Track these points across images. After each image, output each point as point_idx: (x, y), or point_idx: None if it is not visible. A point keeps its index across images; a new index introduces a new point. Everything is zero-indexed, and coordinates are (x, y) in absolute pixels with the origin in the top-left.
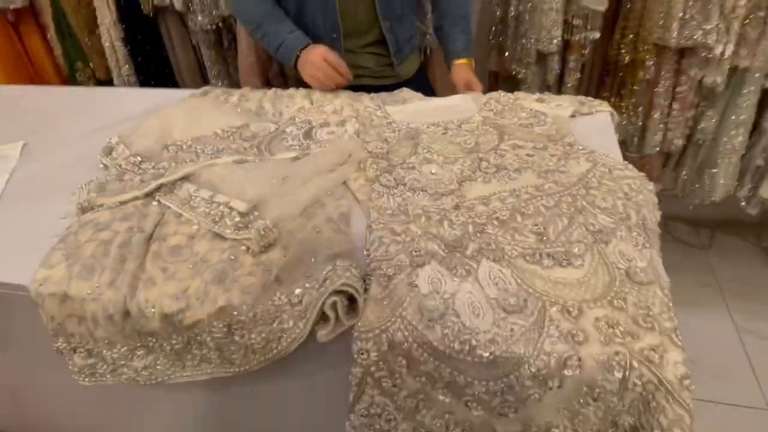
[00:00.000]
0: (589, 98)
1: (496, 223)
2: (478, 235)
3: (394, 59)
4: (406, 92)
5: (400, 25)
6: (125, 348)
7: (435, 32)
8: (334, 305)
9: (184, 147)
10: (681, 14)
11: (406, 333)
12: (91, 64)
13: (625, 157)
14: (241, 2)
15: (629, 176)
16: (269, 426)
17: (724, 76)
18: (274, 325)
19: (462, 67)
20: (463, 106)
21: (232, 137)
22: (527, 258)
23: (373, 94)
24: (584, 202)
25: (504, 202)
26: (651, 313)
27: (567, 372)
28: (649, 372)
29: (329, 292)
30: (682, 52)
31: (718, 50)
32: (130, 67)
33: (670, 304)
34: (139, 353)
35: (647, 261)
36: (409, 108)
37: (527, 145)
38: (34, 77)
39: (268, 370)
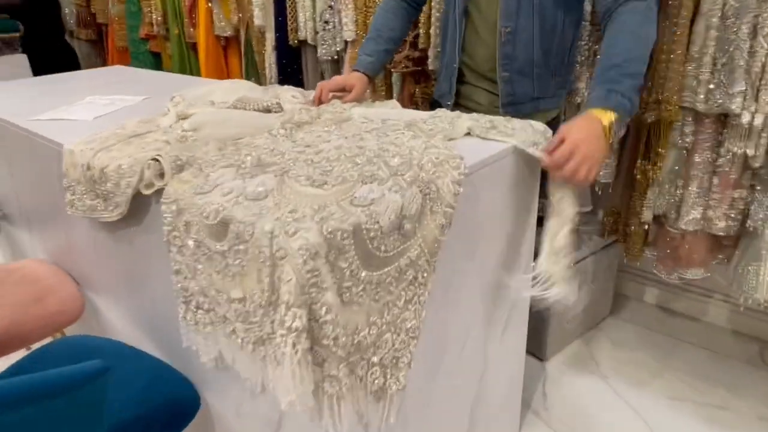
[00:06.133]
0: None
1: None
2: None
3: (500, 111)
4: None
5: (523, 80)
6: (84, 188)
7: None
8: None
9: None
10: (706, 77)
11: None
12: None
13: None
14: (377, 14)
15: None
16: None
17: (759, 150)
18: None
19: (581, 118)
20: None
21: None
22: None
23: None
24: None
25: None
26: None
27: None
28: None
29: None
30: (724, 122)
31: (745, 119)
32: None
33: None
34: (88, 195)
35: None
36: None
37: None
38: None
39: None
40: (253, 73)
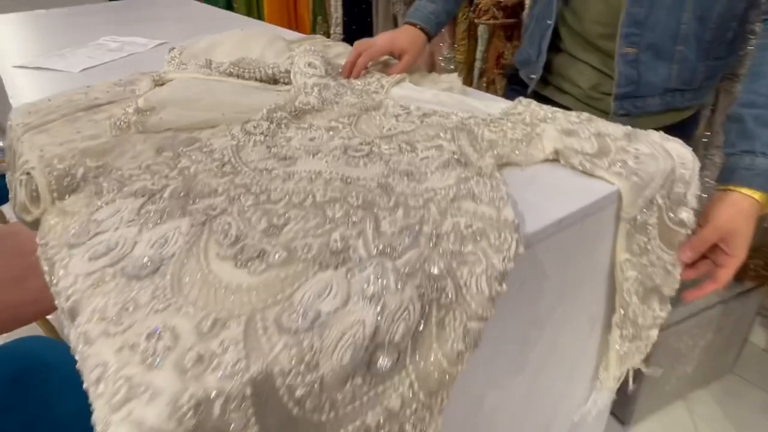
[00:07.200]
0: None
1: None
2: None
3: (613, 104)
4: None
5: (656, 63)
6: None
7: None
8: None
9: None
10: None
11: None
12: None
13: None
14: None
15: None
16: None
17: None
18: None
19: (725, 201)
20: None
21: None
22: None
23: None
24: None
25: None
26: None
27: None
28: None
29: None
30: None
31: None
32: (341, 27)
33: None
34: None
35: None
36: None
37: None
38: (293, 27)
39: None
40: (320, 12)
